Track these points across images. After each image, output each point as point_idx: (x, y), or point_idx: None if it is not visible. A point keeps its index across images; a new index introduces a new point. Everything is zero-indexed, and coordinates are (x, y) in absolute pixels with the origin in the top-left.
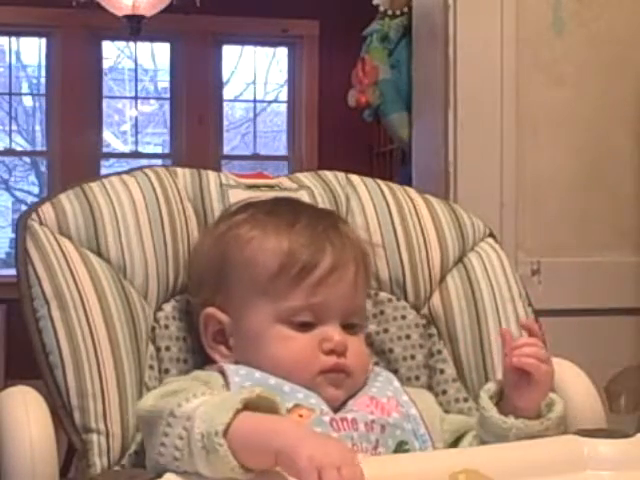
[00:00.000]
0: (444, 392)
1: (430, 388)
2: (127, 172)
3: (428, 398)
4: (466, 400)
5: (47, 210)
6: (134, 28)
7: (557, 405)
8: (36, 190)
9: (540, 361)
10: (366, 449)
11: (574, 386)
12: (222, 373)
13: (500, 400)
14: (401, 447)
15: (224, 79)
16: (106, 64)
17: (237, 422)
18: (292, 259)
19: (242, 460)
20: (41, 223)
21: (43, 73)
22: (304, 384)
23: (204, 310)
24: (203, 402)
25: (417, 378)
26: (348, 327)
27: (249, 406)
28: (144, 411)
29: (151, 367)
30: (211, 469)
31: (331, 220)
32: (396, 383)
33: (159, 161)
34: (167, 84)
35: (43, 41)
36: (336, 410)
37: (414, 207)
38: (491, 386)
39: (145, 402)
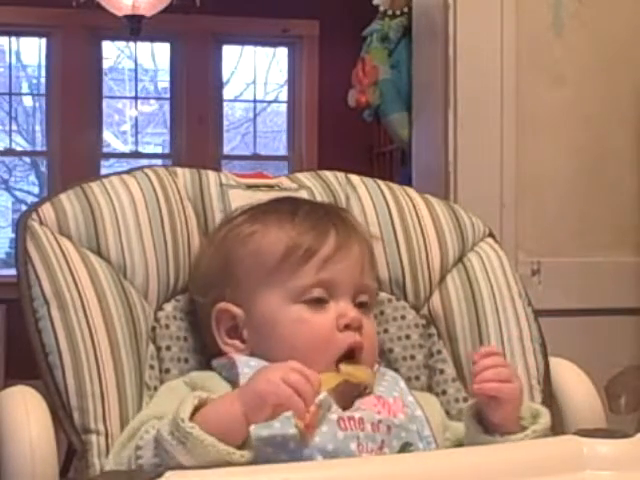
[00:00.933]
0: (444, 392)
1: (430, 388)
2: (127, 172)
3: (434, 403)
4: (466, 400)
5: (47, 210)
6: (134, 28)
7: (543, 417)
8: (36, 190)
9: (502, 381)
10: (371, 449)
11: (574, 386)
12: (232, 365)
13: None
14: (406, 448)
15: (224, 79)
16: (106, 64)
17: (197, 414)
18: (296, 243)
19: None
20: (41, 223)
21: (43, 73)
22: (322, 368)
23: (216, 306)
24: (161, 422)
25: (417, 378)
26: (360, 306)
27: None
28: (111, 464)
29: (152, 367)
30: (195, 459)
31: (331, 206)
32: (402, 384)
33: (159, 161)
34: (167, 84)
35: (43, 41)
36: (344, 407)
37: (414, 207)
38: (473, 404)
39: (109, 461)
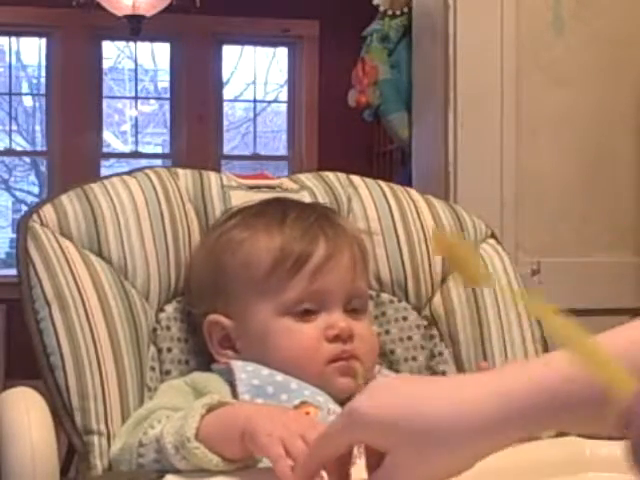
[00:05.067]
0: None
1: None
2: (128, 173)
3: None
4: None
5: (48, 211)
6: (134, 28)
7: None
8: (36, 190)
9: None
10: None
11: None
12: (229, 371)
13: None
14: None
15: (224, 79)
16: (106, 64)
17: (204, 425)
18: (285, 253)
19: (222, 455)
20: (42, 224)
21: (43, 73)
22: (314, 376)
23: (207, 318)
24: (167, 422)
25: None
26: (352, 312)
27: (213, 410)
28: (115, 451)
29: (152, 368)
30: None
31: (321, 211)
32: None
33: (159, 161)
34: (167, 84)
35: (43, 41)
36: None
37: (415, 208)
38: None
39: (115, 444)
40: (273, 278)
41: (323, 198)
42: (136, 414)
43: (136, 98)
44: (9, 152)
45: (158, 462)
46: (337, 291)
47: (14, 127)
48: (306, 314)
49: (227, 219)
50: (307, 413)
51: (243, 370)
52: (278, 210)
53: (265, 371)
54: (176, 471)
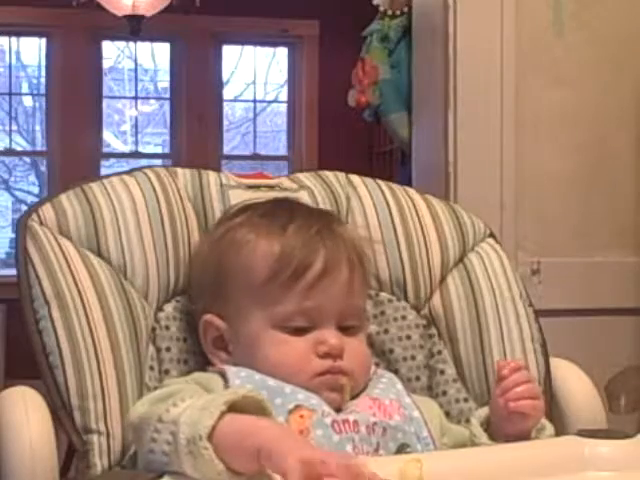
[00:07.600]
0: (444, 393)
1: (430, 389)
2: (127, 172)
3: (432, 407)
4: (466, 400)
5: (47, 210)
6: (134, 28)
7: (547, 430)
8: (36, 190)
9: (533, 398)
10: (367, 452)
11: (574, 386)
12: (223, 375)
13: (490, 425)
14: (403, 450)
15: (224, 79)
16: (106, 64)
17: (221, 425)
18: (283, 263)
19: (228, 463)
20: (41, 223)
21: (43, 73)
22: (301, 388)
23: (203, 317)
24: (189, 405)
25: (417, 379)
26: (345, 328)
27: (235, 407)
28: (134, 418)
29: (151, 368)
30: (199, 474)
31: (325, 221)
32: (399, 386)
33: (159, 161)
34: (167, 84)
35: (43, 41)
36: (338, 410)
37: (414, 207)
38: (482, 412)
39: (136, 409)
40: (269, 288)
41: (322, 198)
42: (162, 390)
43: (136, 98)
44: (9, 152)
45: (169, 444)
46: (331, 308)
47: (14, 127)
48: (297, 330)
49: (235, 214)
50: (301, 417)
51: (237, 376)
52: (284, 214)
53: (258, 376)
54: (174, 471)
